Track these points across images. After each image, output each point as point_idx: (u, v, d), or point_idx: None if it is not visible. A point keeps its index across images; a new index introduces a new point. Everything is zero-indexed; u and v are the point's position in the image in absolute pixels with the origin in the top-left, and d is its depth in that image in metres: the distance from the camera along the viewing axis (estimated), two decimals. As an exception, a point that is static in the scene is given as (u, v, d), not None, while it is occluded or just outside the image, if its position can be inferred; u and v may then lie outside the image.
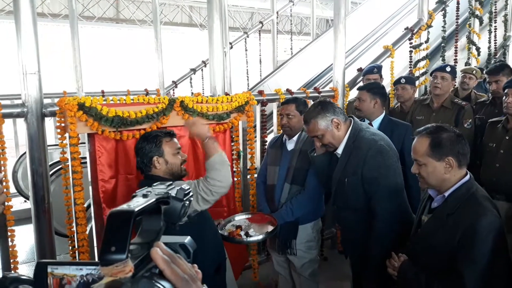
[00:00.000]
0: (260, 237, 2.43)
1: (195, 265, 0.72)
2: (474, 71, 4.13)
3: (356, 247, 2.30)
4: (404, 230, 2.09)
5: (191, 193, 0.81)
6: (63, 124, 2.43)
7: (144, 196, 0.69)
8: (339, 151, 2.27)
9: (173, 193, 0.75)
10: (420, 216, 1.96)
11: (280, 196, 2.75)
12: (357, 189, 2.19)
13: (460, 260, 1.64)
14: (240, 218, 2.70)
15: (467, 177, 1.78)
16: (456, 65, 4.88)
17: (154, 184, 0.77)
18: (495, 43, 5.38)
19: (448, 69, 3.43)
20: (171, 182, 0.79)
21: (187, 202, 0.78)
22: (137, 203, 0.65)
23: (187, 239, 0.76)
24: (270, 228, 2.49)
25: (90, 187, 2.51)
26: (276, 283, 3.21)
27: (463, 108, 3.35)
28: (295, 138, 2.78)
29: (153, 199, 0.68)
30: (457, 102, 3.42)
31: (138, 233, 0.71)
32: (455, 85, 4.19)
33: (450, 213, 1.73)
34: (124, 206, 0.63)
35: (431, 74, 3.63)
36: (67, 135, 2.43)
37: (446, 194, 1.77)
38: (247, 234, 2.42)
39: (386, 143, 2.21)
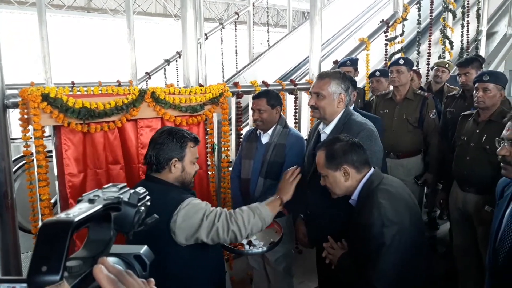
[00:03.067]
0: (265, 248, 2.22)
1: (152, 279, 0.64)
2: (447, 65, 4.18)
3: (323, 233, 2.28)
4: None
5: (147, 197, 0.72)
6: (26, 116, 2.31)
7: (91, 201, 0.60)
8: (327, 130, 2.25)
9: (125, 197, 0.66)
10: None
11: (255, 190, 2.70)
12: None
13: (365, 257, 1.70)
14: None
15: (368, 175, 1.85)
16: (429, 59, 4.95)
17: (105, 186, 0.68)
18: (468, 37, 5.47)
19: (401, 61, 3.46)
20: (124, 185, 0.70)
21: (142, 208, 0.69)
22: (79, 210, 0.56)
23: (143, 249, 0.68)
24: (274, 235, 2.29)
25: (56, 182, 2.40)
26: (251, 277, 3.18)
27: (426, 99, 3.39)
28: (269, 131, 2.73)
29: (100, 206, 0.60)
30: (420, 94, 3.46)
31: (83, 245, 0.63)
32: (420, 78, 4.24)
33: (358, 213, 1.81)
34: (61, 215, 0.54)
35: (388, 68, 3.66)
36: (31, 127, 2.31)
37: (354, 197, 1.87)
38: (250, 243, 2.22)
39: (376, 130, 2.24)
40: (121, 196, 0.66)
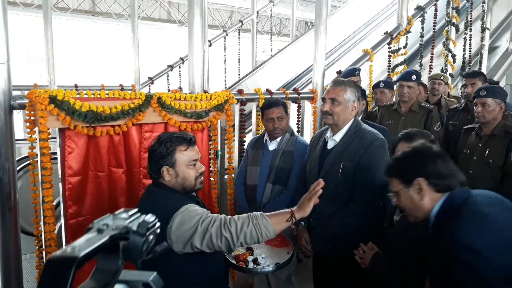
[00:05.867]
0: (270, 268, 2.09)
1: None
2: (442, 77, 4.21)
3: (327, 241, 2.28)
4: (374, 225, 2.19)
5: (156, 225, 0.72)
6: (32, 118, 2.31)
7: (99, 231, 0.61)
8: (337, 138, 2.26)
9: (134, 226, 0.66)
10: (392, 217, 2.04)
11: (262, 196, 2.71)
12: (349, 175, 2.18)
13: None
14: None
15: None
16: (431, 71, 4.98)
17: (117, 212, 0.68)
18: (470, 51, 5.51)
19: (413, 77, 3.46)
20: (135, 211, 0.70)
21: (151, 237, 0.69)
22: (86, 243, 0.56)
23: (152, 276, 0.68)
24: (285, 256, 2.16)
25: (60, 184, 2.40)
26: (251, 285, 3.17)
27: (431, 112, 3.41)
28: (278, 138, 2.75)
29: (106, 238, 0.60)
30: (425, 106, 3.47)
31: (91, 274, 0.63)
32: (427, 91, 4.26)
33: None
34: (67, 250, 0.54)
35: (397, 81, 3.66)
36: (36, 129, 2.32)
37: None
38: (255, 261, 2.09)
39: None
40: (130, 225, 0.66)
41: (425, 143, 1.65)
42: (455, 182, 1.49)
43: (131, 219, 0.67)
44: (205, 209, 1.76)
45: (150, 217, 0.71)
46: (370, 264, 1.89)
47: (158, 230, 0.73)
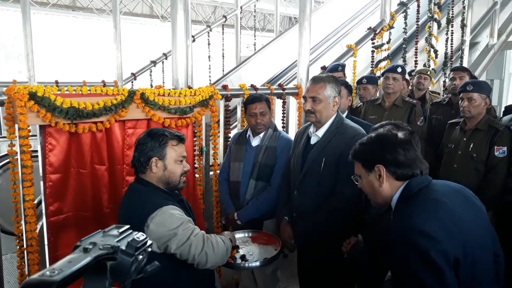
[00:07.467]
0: (257, 263, 2.14)
1: None
2: (429, 72, 4.26)
3: (309, 234, 2.29)
4: (356, 218, 2.23)
5: (147, 243, 0.69)
6: (11, 115, 2.25)
7: (85, 250, 0.58)
8: (319, 133, 2.27)
9: (122, 245, 0.64)
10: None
11: (246, 193, 2.70)
12: (331, 170, 2.19)
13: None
14: (242, 236, 2.44)
15: None
16: (417, 66, 5.02)
17: (108, 229, 0.66)
18: (452, 46, 5.58)
19: (399, 69, 3.52)
20: (126, 228, 0.68)
21: (140, 256, 0.66)
22: (68, 265, 0.54)
23: None
24: (272, 253, 2.21)
25: (41, 183, 2.34)
26: (237, 281, 3.16)
27: (414, 106, 3.45)
28: (261, 134, 2.74)
29: (90, 258, 0.58)
30: (408, 101, 3.52)
31: None
32: (410, 85, 4.32)
33: None
34: (46, 273, 0.52)
35: (382, 75, 3.71)
36: (16, 126, 2.25)
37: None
38: (243, 258, 2.14)
39: None
40: (118, 244, 0.64)
41: (391, 129, 1.59)
42: (414, 171, 1.47)
43: (121, 237, 0.65)
44: (185, 216, 1.77)
45: (140, 236, 0.69)
46: (348, 252, 1.94)
47: (150, 249, 0.70)
